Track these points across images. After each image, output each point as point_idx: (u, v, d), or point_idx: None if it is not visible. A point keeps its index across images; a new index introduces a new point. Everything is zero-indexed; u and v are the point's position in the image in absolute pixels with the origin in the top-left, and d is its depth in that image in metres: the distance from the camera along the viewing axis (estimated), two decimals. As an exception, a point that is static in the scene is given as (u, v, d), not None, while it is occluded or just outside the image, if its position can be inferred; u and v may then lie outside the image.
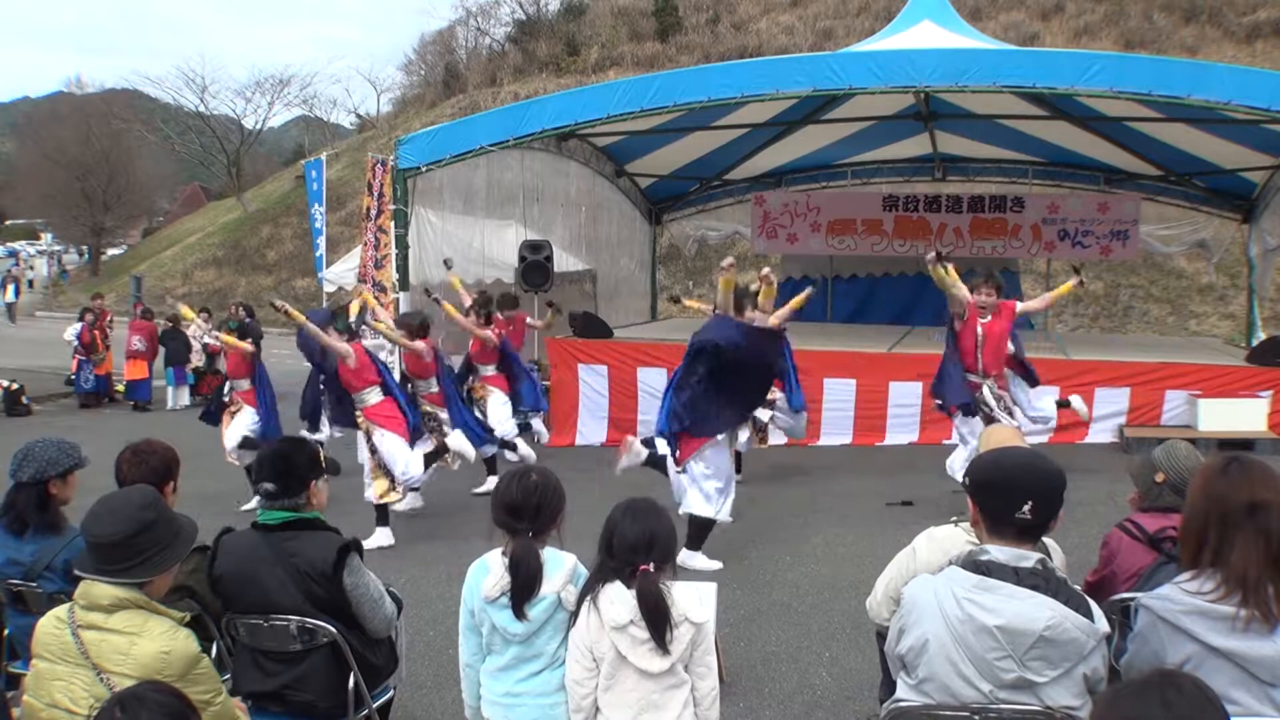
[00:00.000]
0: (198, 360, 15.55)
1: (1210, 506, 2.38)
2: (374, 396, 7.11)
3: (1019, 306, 7.64)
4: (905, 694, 2.52)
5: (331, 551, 3.07)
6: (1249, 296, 13.56)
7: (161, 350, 15.33)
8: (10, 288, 32.62)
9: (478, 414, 8.62)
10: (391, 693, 3.47)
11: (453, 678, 3.09)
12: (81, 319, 15.58)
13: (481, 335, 8.79)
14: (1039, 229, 13.87)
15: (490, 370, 8.96)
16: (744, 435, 7.57)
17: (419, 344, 7.71)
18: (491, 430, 8.52)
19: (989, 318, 7.22)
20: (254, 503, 7.02)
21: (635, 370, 10.41)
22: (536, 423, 9.68)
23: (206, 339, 12.89)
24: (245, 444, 8.32)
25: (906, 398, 10.06)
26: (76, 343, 15.30)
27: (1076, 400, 8.52)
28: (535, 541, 2.86)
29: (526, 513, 2.84)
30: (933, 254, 6.90)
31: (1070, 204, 13.91)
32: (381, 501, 7.11)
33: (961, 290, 7.06)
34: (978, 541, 2.61)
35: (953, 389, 7.26)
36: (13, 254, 51.72)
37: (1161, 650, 2.37)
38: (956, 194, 14.38)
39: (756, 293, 6.55)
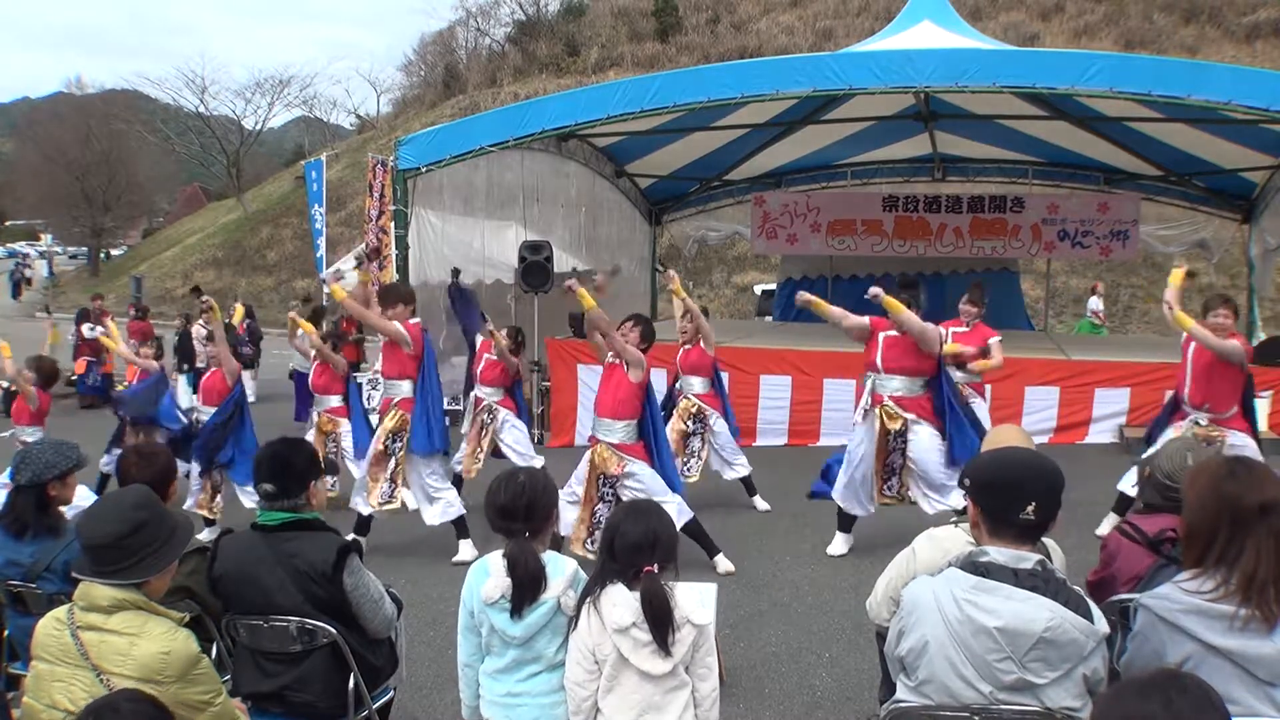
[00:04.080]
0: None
1: (1222, 507, 2.37)
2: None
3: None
4: (905, 695, 2.52)
5: (331, 552, 3.07)
6: (1249, 296, 13.53)
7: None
8: None
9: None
10: (391, 693, 3.47)
11: (453, 678, 3.10)
12: (81, 320, 15.53)
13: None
14: (1039, 229, 13.86)
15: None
16: None
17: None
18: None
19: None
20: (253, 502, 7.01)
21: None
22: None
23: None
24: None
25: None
26: (83, 337, 15.24)
27: None
28: (533, 542, 2.87)
29: (518, 514, 2.86)
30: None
31: (1070, 204, 13.90)
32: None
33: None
34: (977, 542, 2.60)
35: None
36: (13, 254, 51.58)
37: (1161, 649, 2.37)
38: (956, 194, 14.37)
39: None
